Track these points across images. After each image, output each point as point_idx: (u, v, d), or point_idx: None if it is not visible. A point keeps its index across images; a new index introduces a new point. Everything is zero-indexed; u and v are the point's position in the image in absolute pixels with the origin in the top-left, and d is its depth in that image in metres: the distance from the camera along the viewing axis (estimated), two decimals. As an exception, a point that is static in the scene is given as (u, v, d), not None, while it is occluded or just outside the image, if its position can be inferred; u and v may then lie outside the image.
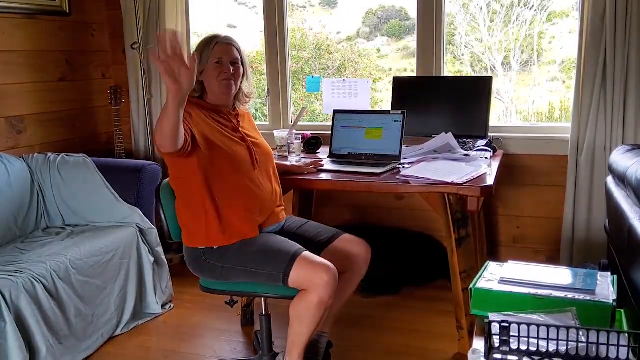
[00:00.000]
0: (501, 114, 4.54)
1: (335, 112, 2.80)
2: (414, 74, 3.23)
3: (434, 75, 3.13)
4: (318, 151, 2.97)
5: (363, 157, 2.66)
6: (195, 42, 4.01)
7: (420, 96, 2.99)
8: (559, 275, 1.55)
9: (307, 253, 1.96)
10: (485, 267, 1.62)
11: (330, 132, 2.78)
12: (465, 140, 2.82)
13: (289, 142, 2.87)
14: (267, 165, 2.20)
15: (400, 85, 3.05)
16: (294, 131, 2.93)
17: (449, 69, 4.18)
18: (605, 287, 1.46)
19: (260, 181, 2.12)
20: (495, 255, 3.16)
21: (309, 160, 2.60)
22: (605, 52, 2.66)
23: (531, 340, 1.22)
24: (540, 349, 1.21)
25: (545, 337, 1.21)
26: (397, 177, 2.33)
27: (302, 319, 1.93)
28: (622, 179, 1.97)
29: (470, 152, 2.68)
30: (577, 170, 2.82)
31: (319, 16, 4.99)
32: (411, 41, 4.79)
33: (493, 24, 4.42)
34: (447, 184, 2.20)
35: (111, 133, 3.53)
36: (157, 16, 3.35)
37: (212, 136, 2.03)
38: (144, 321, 2.83)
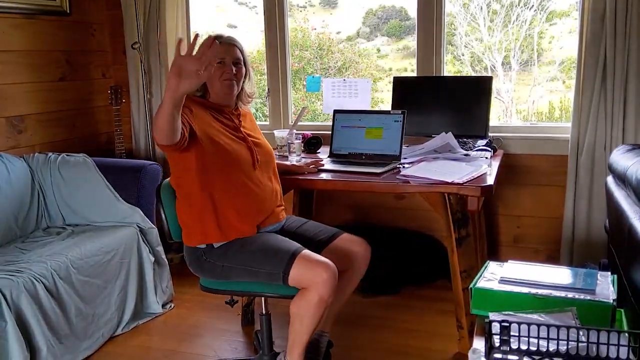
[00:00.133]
0: (501, 113, 4.54)
1: (336, 112, 2.80)
2: (414, 74, 3.23)
3: (434, 75, 3.13)
4: (318, 151, 2.97)
5: (363, 157, 2.67)
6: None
7: (421, 96, 2.99)
8: (559, 275, 1.55)
9: (306, 251, 1.97)
10: (486, 267, 1.63)
11: (330, 132, 2.79)
12: (465, 140, 2.82)
13: (289, 141, 2.87)
14: (268, 165, 2.20)
15: (401, 85, 3.05)
16: (294, 131, 2.93)
17: (449, 69, 4.18)
18: (606, 287, 1.46)
19: (260, 181, 2.13)
20: (496, 255, 3.16)
21: (309, 160, 2.61)
22: (605, 51, 2.66)
23: (531, 339, 1.22)
24: (540, 349, 1.21)
25: (546, 336, 1.21)
26: (397, 176, 2.33)
27: (302, 318, 1.94)
28: (622, 179, 1.97)
29: (470, 152, 2.68)
30: (577, 170, 2.82)
31: (319, 16, 4.99)
32: (411, 41, 4.79)
33: (493, 23, 4.42)
34: (448, 183, 2.21)
35: (111, 133, 3.53)
36: (157, 16, 3.35)
37: (213, 135, 2.04)
38: (145, 321, 2.83)
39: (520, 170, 3.04)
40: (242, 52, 2.16)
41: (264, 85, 3.54)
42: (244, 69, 2.16)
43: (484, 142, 2.77)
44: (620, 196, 1.95)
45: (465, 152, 2.68)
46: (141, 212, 2.90)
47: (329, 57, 4.90)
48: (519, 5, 4.27)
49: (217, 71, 2.09)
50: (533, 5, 4.24)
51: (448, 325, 2.63)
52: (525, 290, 1.46)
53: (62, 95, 3.39)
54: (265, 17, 3.41)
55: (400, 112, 2.64)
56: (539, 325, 1.22)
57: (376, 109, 3.88)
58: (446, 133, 2.72)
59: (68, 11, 3.38)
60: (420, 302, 2.98)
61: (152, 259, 2.87)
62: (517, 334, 1.22)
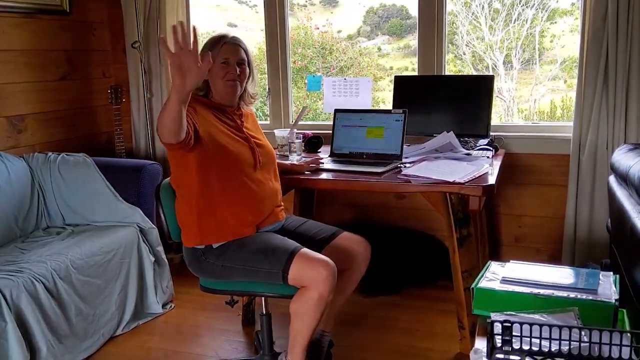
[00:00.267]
0: (503, 113, 4.54)
1: (337, 111, 2.79)
2: (416, 73, 3.22)
3: (435, 74, 3.12)
4: (319, 150, 2.96)
5: (364, 157, 2.66)
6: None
7: (422, 95, 2.99)
8: (561, 275, 1.54)
9: (305, 250, 1.97)
10: (487, 267, 1.62)
11: (331, 132, 2.78)
12: (466, 139, 2.81)
13: (289, 141, 2.87)
14: (269, 166, 2.20)
15: (402, 84, 3.04)
16: (295, 130, 2.92)
17: (450, 69, 4.17)
18: (608, 287, 1.46)
19: (261, 181, 2.12)
20: (497, 254, 3.15)
21: (309, 159, 2.60)
22: (607, 50, 2.65)
23: (533, 340, 1.21)
24: (542, 349, 1.21)
25: (548, 336, 1.20)
26: (398, 176, 2.33)
27: (302, 316, 1.93)
28: (624, 178, 1.96)
29: (471, 151, 2.68)
30: (579, 169, 2.81)
31: (319, 15, 4.99)
32: (412, 40, 4.79)
33: (494, 22, 4.42)
34: (449, 183, 2.20)
35: (111, 132, 3.53)
36: (157, 15, 3.34)
37: (215, 135, 2.03)
38: (145, 321, 2.82)
39: (521, 169, 3.03)
40: (246, 52, 2.16)
41: (265, 85, 3.53)
42: (247, 69, 2.16)
43: (485, 141, 2.76)
44: (622, 196, 1.95)
45: (466, 151, 2.67)
46: (141, 212, 2.89)
47: (331, 57, 4.90)
48: (520, 4, 4.26)
49: (220, 71, 2.08)
50: (534, 4, 4.24)
51: (449, 325, 2.62)
52: (527, 290, 1.45)
53: (62, 94, 3.39)
54: (265, 16, 3.41)
55: (401, 111, 2.63)
56: (541, 326, 1.22)
57: (377, 108, 3.88)
58: (447, 132, 2.71)
59: (68, 10, 3.37)
60: (421, 302, 2.97)
61: (152, 258, 2.87)
62: (519, 334, 1.22)
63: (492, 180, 2.24)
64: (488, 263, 1.65)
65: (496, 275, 1.55)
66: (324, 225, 2.31)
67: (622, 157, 2.06)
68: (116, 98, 3.40)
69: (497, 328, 1.22)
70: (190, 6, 3.50)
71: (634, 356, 1.16)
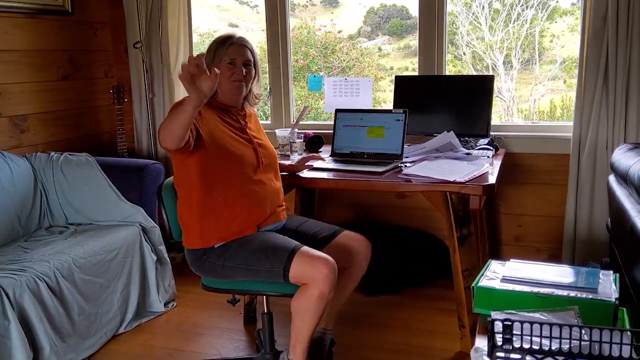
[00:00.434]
0: (503, 112, 4.55)
1: (337, 111, 2.80)
2: (416, 73, 3.23)
3: (435, 74, 3.13)
4: (320, 150, 2.97)
5: (365, 156, 2.67)
6: (196, 40, 4.02)
7: (422, 95, 2.99)
8: (561, 274, 1.55)
9: (306, 248, 1.97)
10: (487, 266, 1.63)
11: (332, 131, 2.79)
12: (467, 139, 2.82)
13: (290, 141, 2.88)
14: (271, 167, 2.21)
15: (402, 84, 3.05)
16: (296, 130, 2.93)
17: (450, 70, 4.18)
18: (608, 286, 1.46)
19: (263, 182, 2.13)
20: (497, 253, 3.16)
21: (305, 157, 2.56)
22: (607, 50, 2.66)
23: (534, 338, 1.22)
24: (542, 347, 1.21)
25: (548, 335, 1.21)
26: (399, 175, 2.34)
27: (303, 314, 1.94)
28: (624, 178, 1.97)
29: (472, 151, 2.68)
30: (579, 168, 2.82)
31: (320, 15, 4.99)
32: (412, 40, 4.79)
33: (494, 22, 4.42)
34: (449, 182, 2.21)
35: (114, 132, 3.53)
36: (159, 15, 3.35)
37: (219, 138, 2.04)
38: (147, 319, 2.83)
39: (521, 169, 3.04)
40: (253, 53, 2.17)
41: (266, 84, 3.54)
42: (253, 70, 2.17)
43: (485, 141, 2.77)
44: (622, 195, 1.95)
45: (466, 151, 2.68)
46: (143, 211, 2.90)
47: (333, 56, 4.91)
48: (519, 4, 4.27)
49: (227, 72, 2.09)
50: (534, 4, 4.24)
51: (450, 324, 2.63)
52: (527, 289, 1.46)
53: (65, 94, 3.40)
54: (266, 16, 3.41)
55: (401, 111, 2.64)
56: (541, 324, 1.22)
57: (378, 108, 3.89)
58: (448, 132, 2.72)
59: (70, 11, 3.38)
60: (421, 301, 2.98)
61: (155, 257, 2.88)
62: (519, 333, 1.23)
63: (492, 179, 2.24)
64: (488, 262, 1.66)
65: (496, 274, 1.55)
66: (325, 224, 2.31)
67: (622, 157, 2.06)
68: (118, 98, 3.41)
69: (498, 327, 1.23)
70: (191, 6, 3.51)
71: (634, 355, 1.17)
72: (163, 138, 1.81)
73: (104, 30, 3.67)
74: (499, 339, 1.23)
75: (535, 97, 4.55)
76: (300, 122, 3.08)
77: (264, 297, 2.21)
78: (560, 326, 1.21)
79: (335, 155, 2.73)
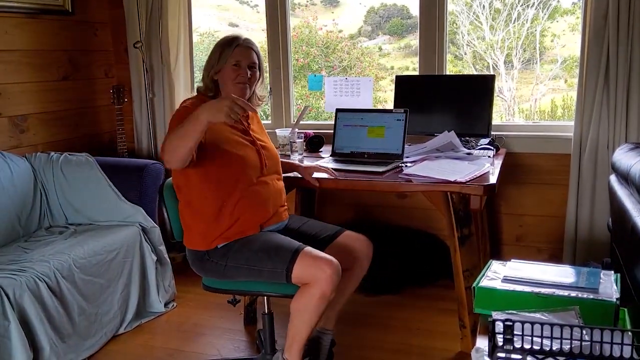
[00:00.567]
0: (503, 112, 4.54)
1: (338, 110, 2.80)
2: (417, 73, 3.23)
3: (436, 73, 3.12)
4: (320, 150, 2.97)
5: (365, 156, 2.66)
6: (196, 40, 4.01)
7: (423, 95, 2.99)
8: (562, 274, 1.55)
9: (309, 248, 1.97)
10: (488, 266, 1.63)
11: (332, 131, 2.78)
12: (467, 138, 2.82)
13: (291, 140, 2.87)
14: (274, 168, 2.21)
15: (403, 84, 3.05)
16: (297, 130, 2.93)
17: (451, 69, 4.18)
18: (609, 286, 1.46)
19: (266, 182, 2.13)
20: (498, 253, 3.16)
21: (319, 165, 2.46)
22: (608, 50, 2.65)
23: (534, 338, 1.22)
24: (543, 348, 1.21)
25: (549, 335, 1.21)
26: (399, 175, 2.33)
27: (303, 313, 1.94)
28: (625, 177, 1.97)
29: (472, 151, 2.68)
30: (580, 168, 2.81)
31: (320, 14, 4.99)
32: (413, 39, 4.79)
33: (495, 22, 4.42)
34: (450, 182, 2.20)
35: (114, 132, 3.53)
36: (159, 15, 3.35)
37: (222, 143, 2.04)
38: (147, 320, 2.83)
39: (522, 169, 3.03)
40: (258, 56, 2.17)
41: (266, 84, 3.54)
42: (258, 73, 2.17)
43: (486, 140, 2.77)
44: (623, 195, 1.95)
45: (467, 150, 2.68)
46: (143, 212, 2.90)
47: (334, 56, 4.91)
48: (520, 3, 4.27)
49: (231, 73, 2.09)
50: (535, 4, 4.24)
51: (450, 324, 2.63)
52: (528, 289, 1.45)
53: (65, 94, 3.40)
54: (267, 15, 3.41)
55: (402, 110, 2.63)
56: (542, 324, 1.22)
57: (378, 107, 3.89)
58: (448, 132, 2.72)
59: (70, 11, 3.38)
60: (422, 301, 2.98)
61: (155, 258, 2.88)
62: (520, 333, 1.22)
63: (493, 179, 2.24)
64: (489, 262, 1.65)
65: (497, 275, 1.55)
66: (326, 224, 2.31)
67: (623, 157, 2.06)
68: (118, 98, 3.41)
69: (499, 327, 1.23)
70: (191, 6, 3.51)
71: (635, 355, 1.16)
72: (168, 160, 1.86)
73: (104, 30, 3.67)
74: (499, 339, 1.23)
75: (536, 97, 4.55)
76: (301, 122, 3.07)
77: (265, 297, 2.21)
78: (561, 326, 1.20)
79: (335, 155, 2.73)
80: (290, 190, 2.67)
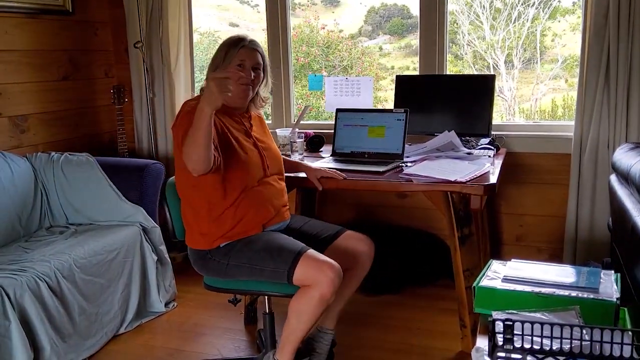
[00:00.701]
0: (504, 112, 4.54)
1: (338, 110, 2.80)
2: (417, 72, 3.23)
3: (436, 73, 3.12)
4: (321, 150, 2.97)
5: (366, 156, 2.67)
6: (197, 40, 4.01)
7: (423, 95, 2.99)
8: (562, 274, 1.55)
9: (312, 251, 1.97)
10: (489, 266, 1.63)
11: (333, 131, 2.78)
12: (468, 138, 2.82)
13: (291, 140, 2.88)
14: (276, 169, 2.21)
15: (403, 84, 3.05)
16: (297, 130, 2.93)
17: (451, 69, 4.18)
18: (609, 285, 1.46)
19: (269, 183, 2.13)
20: (498, 253, 3.16)
21: (328, 170, 2.43)
22: (608, 49, 2.65)
23: (535, 338, 1.22)
24: (543, 347, 1.21)
25: (549, 335, 1.21)
26: (400, 175, 2.33)
27: (301, 314, 1.94)
28: (625, 177, 1.97)
29: (473, 151, 2.68)
30: (580, 168, 2.81)
31: (321, 14, 4.99)
32: (413, 39, 4.79)
33: (496, 22, 4.42)
34: (450, 182, 2.21)
35: (114, 132, 3.53)
36: (159, 15, 3.35)
37: (226, 142, 2.04)
38: (148, 319, 2.83)
39: (523, 168, 3.03)
40: (263, 57, 2.17)
41: (270, 86, 3.53)
42: (262, 74, 2.17)
43: (486, 140, 2.77)
44: (624, 194, 1.95)
45: (468, 150, 2.68)
46: (144, 211, 2.90)
47: (335, 55, 4.90)
48: (520, 3, 4.26)
49: (235, 74, 2.09)
50: (535, 3, 4.24)
51: (451, 323, 2.63)
52: (528, 288, 1.46)
53: (65, 94, 3.40)
54: (267, 15, 3.41)
55: (402, 110, 2.63)
56: (542, 324, 1.22)
57: (378, 107, 3.89)
58: (449, 132, 2.72)
59: (71, 10, 3.38)
60: (422, 301, 2.98)
61: (155, 257, 2.88)
62: (520, 333, 1.22)
63: (493, 179, 2.24)
64: (489, 262, 1.65)
65: (497, 274, 1.55)
66: (327, 224, 2.31)
67: (623, 156, 2.06)
68: (119, 98, 3.41)
69: (499, 326, 1.23)
70: (192, 6, 3.51)
71: (635, 354, 1.17)
72: (193, 167, 1.83)
73: (105, 30, 3.67)
74: (500, 338, 1.23)
75: (537, 97, 4.54)
76: (301, 122, 3.07)
77: (266, 297, 2.21)
78: (561, 326, 1.20)
79: (336, 155, 2.73)
80: (291, 190, 2.68)
